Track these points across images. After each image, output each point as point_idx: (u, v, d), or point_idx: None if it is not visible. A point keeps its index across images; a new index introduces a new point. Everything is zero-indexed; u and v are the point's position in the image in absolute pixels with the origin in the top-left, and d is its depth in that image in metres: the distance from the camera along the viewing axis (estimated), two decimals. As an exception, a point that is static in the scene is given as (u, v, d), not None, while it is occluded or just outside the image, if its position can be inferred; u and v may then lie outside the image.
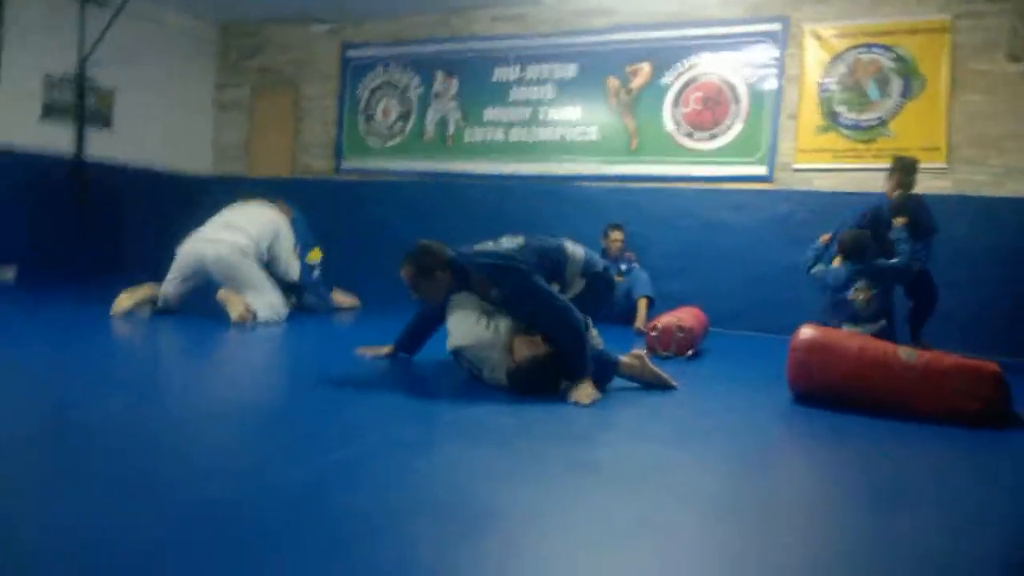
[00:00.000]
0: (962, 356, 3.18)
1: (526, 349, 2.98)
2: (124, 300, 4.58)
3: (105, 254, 7.40)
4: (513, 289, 3.05)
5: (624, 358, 3.26)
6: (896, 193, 4.89)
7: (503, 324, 3.09)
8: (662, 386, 3.27)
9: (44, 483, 1.68)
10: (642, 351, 3.37)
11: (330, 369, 3.43)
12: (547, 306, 2.99)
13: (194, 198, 8.43)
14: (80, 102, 7.18)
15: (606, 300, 3.47)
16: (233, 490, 1.69)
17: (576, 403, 2.82)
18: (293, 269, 5.22)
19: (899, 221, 4.74)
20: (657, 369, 3.30)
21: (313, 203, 7.55)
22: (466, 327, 3.12)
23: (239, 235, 4.83)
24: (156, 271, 4.95)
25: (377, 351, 3.60)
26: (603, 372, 3.14)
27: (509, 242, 3.22)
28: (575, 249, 3.34)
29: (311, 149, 8.32)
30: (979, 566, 1.59)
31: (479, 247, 3.25)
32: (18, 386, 2.68)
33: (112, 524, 1.46)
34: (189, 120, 8.50)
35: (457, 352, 3.18)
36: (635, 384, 3.26)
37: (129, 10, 7.04)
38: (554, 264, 3.23)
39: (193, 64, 8.49)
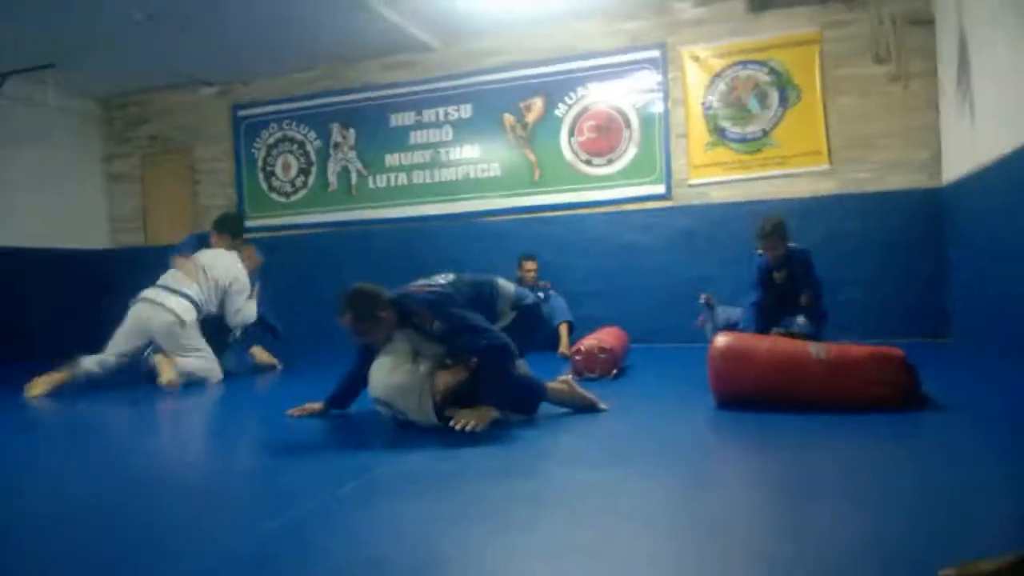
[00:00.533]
0: (868, 345, 3.35)
1: (446, 379, 3.01)
2: (38, 385, 4.46)
3: (9, 339, 7.03)
4: (450, 321, 3.08)
5: (551, 384, 3.31)
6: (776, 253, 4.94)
7: (425, 365, 3.09)
8: (591, 408, 3.32)
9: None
10: (568, 376, 3.43)
11: (259, 434, 3.36)
12: (479, 337, 3.03)
13: (94, 273, 8.15)
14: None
15: (537, 330, 3.53)
16: (178, 568, 1.63)
17: (463, 427, 2.85)
18: (246, 314, 5.24)
19: (779, 276, 4.99)
20: (585, 392, 3.36)
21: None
22: (383, 375, 3.11)
23: (182, 300, 4.85)
24: (65, 349, 4.75)
25: (307, 410, 3.50)
26: (531, 400, 3.20)
27: (443, 279, 3.28)
28: (505, 284, 3.43)
29: (211, 211, 8.12)
30: (907, 552, 1.68)
31: (415, 284, 3.28)
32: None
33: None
34: (81, 195, 8.24)
35: (378, 401, 3.16)
36: (565, 410, 3.31)
37: (6, 93, 6.79)
38: (487, 298, 3.30)
39: (79, 139, 8.27)
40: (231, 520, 2.03)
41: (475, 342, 3.03)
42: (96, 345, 4.93)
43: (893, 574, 1.50)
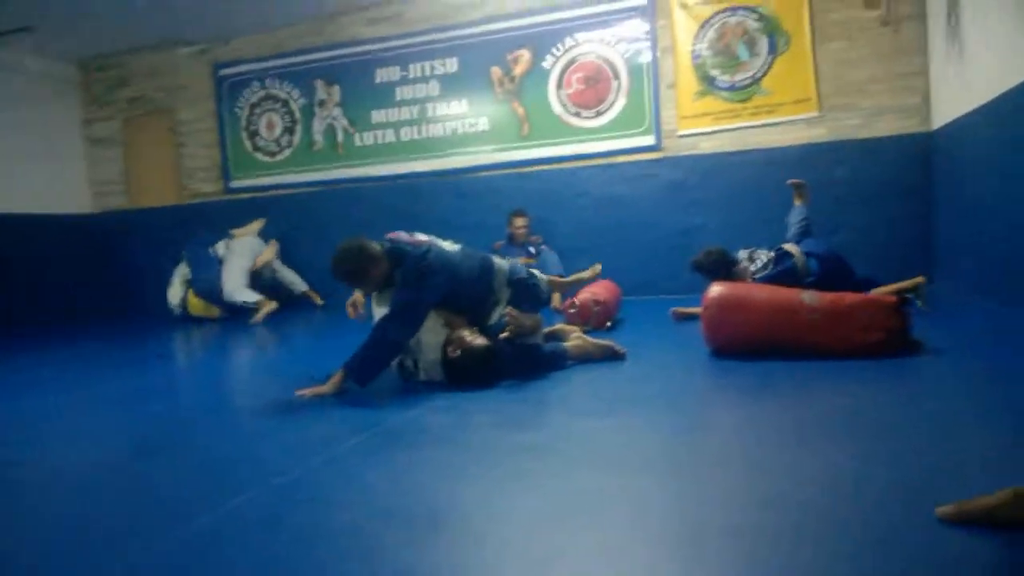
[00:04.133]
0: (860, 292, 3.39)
1: (465, 340, 3.03)
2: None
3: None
4: (402, 280, 3.10)
5: (569, 344, 3.41)
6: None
7: (432, 317, 3.12)
8: (614, 356, 3.42)
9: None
10: (576, 329, 3.49)
11: (260, 391, 3.37)
12: (394, 312, 3.05)
13: (79, 238, 8.07)
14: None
15: (536, 300, 3.53)
16: (187, 528, 1.66)
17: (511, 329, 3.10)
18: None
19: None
20: (601, 341, 3.45)
21: (208, 226, 7.36)
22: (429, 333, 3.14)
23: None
24: (57, 315, 4.74)
25: (318, 390, 3.04)
26: (554, 366, 3.29)
27: (450, 245, 3.30)
28: (500, 261, 3.44)
29: (196, 173, 8.05)
30: (904, 492, 1.72)
31: (417, 235, 3.30)
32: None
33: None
34: (62, 160, 8.10)
35: None
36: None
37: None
38: (484, 272, 3.31)
39: (57, 103, 8.10)
40: (241, 479, 2.05)
41: (387, 316, 3.05)
42: (89, 309, 4.95)
43: (890, 513, 1.54)
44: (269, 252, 6.92)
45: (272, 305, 6.49)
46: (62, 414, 3.14)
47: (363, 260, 3.11)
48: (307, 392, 2.99)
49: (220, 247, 6.85)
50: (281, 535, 1.61)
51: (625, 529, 1.55)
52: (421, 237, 3.28)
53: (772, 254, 4.37)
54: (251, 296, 6.49)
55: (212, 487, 1.98)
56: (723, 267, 4.27)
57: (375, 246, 3.15)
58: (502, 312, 3.21)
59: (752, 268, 4.33)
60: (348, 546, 1.54)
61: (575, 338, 3.50)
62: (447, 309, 3.18)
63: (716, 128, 6.29)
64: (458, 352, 3.02)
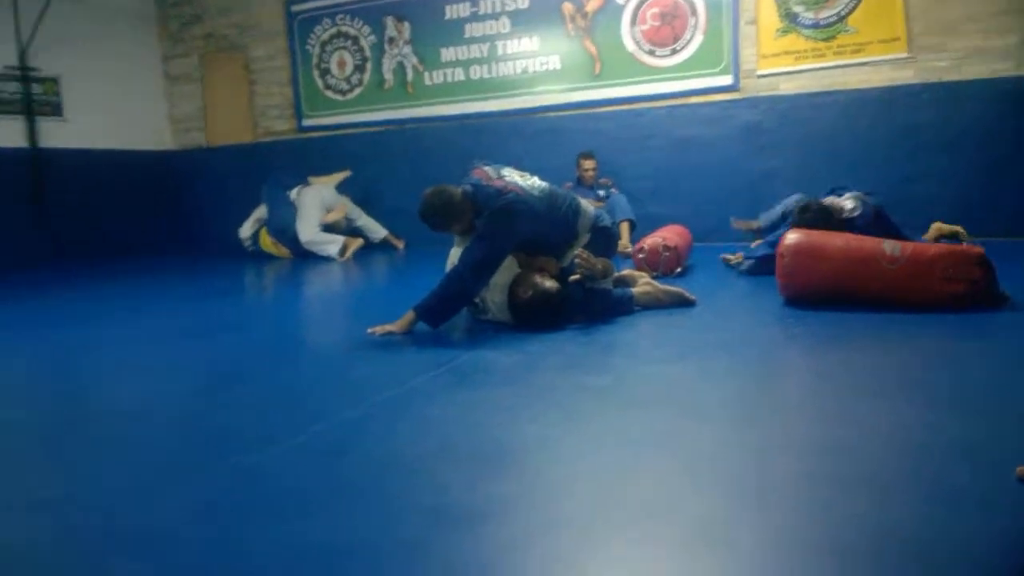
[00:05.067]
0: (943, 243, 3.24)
1: (536, 282, 3.03)
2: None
3: (79, 241, 7.31)
4: (482, 229, 3.07)
5: (637, 290, 3.38)
6: None
7: (506, 261, 3.13)
8: (683, 303, 3.39)
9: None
10: (644, 275, 3.45)
11: (332, 328, 3.45)
12: (471, 260, 3.01)
13: (159, 174, 8.32)
14: (26, 93, 6.97)
15: (611, 246, 3.49)
16: (262, 455, 1.72)
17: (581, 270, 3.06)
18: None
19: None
20: (670, 288, 3.41)
21: (281, 164, 7.50)
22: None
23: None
24: (139, 250, 4.92)
25: (388, 328, 3.05)
26: (621, 312, 3.27)
27: (529, 181, 3.24)
28: (587, 206, 3.39)
29: (269, 111, 8.15)
30: (985, 449, 1.66)
31: (505, 172, 3.25)
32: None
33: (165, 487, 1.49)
34: (141, 97, 8.29)
35: None
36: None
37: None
38: (571, 213, 3.26)
39: (135, 40, 8.24)
40: (311, 412, 2.12)
41: (465, 257, 3.03)
42: (164, 243, 5.13)
43: (968, 469, 1.49)
44: (338, 212, 6.92)
45: (358, 242, 6.67)
46: (138, 345, 3.27)
47: (449, 211, 3.09)
48: (378, 330, 3.05)
49: (294, 192, 6.93)
50: (351, 465, 1.66)
51: (689, 471, 1.55)
52: (506, 176, 3.22)
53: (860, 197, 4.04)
54: (332, 245, 6.59)
55: (283, 419, 2.05)
56: (823, 223, 3.74)
57: (458, 194, 3.12)
58: (574, 254, 3.18)
59: (846, 211, 4.01)
60: (412, 478, 1.57)
61: (644, 284, 3.46)
62: (525, 251, 3.17)
63: (797, 68, 6.01)
64: (528, 294, 3.02)
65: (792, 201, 4.48)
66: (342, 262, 6.37)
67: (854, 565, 1.15)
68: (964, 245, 3.38)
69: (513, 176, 3.24)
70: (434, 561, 1.22)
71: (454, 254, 3.26)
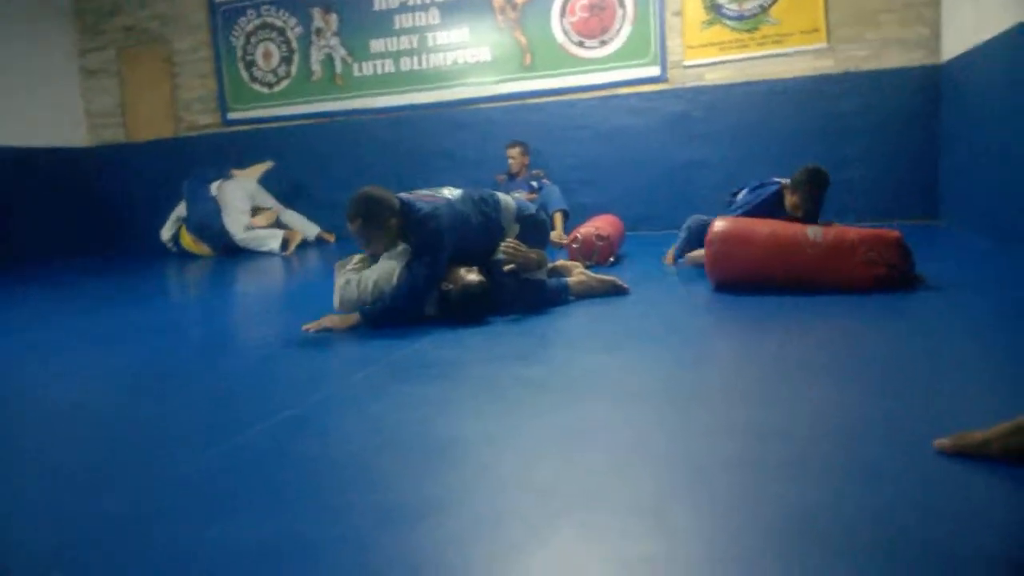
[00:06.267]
0: (862, 227, 3.37)
1: (460, 276, 3.07)
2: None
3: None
4: (419, 244, 3.07)
5: (572, 280, 3.42)
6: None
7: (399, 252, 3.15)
8: (617, 292, 3.44)
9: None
10: (578, 265, 3.49)
11: (263, 325, 3.39)
12: (416, 276, 3.03)
13: (73, 172, 7.99)
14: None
15: (543, 235, 3.53)
16: (196, 457, 1.69)
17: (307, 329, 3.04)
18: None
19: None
20: (604, 277, 3.46)
21: (205, 160, 7.30)
22: (393, 267, 3.14)
23: None
24: (55, 252, 4.73)
25: (325, 323, 3.06)
26: (555, 302, 3.31)
27: (450, 192, 3.25)
28: (506, 199, 3.41)
29: (192, 105, 7.93)
30: (903, 425, 1.74)
31: (419, 192, 3.25)
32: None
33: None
34: (55, 92, 7.95)
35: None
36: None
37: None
38: (491, 210, 3.28)
39: (50, 33, 7.89)
40: (249, 409, 2.08)
41: (412, 273, 3.03)
42: (83, 244, 4.94)
43: (888, 445, 1.56)
44: (268, 217, 6.82)
45: (299, 235, 6.63)
46: (60, 349, 3.16)
47: (386, 209, 3.06)
48: (313, 326, 3.01)
49: (215, 187, 6.76)
50: (288, 466, 1.64)
51: (626, 459, 1.58)
52: (424, 193, 3.24)
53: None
54: (273, 240, 6.48)
55: (219, 421, 2.01)
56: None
57: (395, 200, 3.10)
58: (504, 245, 3.20)
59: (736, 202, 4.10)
60: (353, 476, 1.56)
61: (578, 273, 3.51)
62: (459, 257, 3.17)
63: (722, 58, 6.16)
64: (454, 287, 3.05)
65: (693, 220, 4.35)
66: (285, 256, 6.26)
67: (780, 543, 1.19)
68: (882, 229, 3.52)
69: (440, 192, 3.26)
70: (376, 558, 1.22)
71: (381, 266, 3.16)
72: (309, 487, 1.52)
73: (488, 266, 3.20)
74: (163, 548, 1.29)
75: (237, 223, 6.53)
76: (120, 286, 5.22)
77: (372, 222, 3.07)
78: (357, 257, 3.30)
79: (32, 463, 1.79)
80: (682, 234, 4.27)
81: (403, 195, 3.19)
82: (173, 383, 2.47)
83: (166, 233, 6.93)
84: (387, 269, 3.09)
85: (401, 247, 3.15)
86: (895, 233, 3.19)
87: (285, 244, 6.54)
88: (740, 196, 4.10)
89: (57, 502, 1.53)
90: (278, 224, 6.86)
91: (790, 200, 3.79)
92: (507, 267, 3.14)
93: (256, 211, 6.77)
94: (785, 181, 3.90)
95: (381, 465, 1.61)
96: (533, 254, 3.21)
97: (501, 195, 3.43)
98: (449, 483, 1.51)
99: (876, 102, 5.82)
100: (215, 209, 6.60)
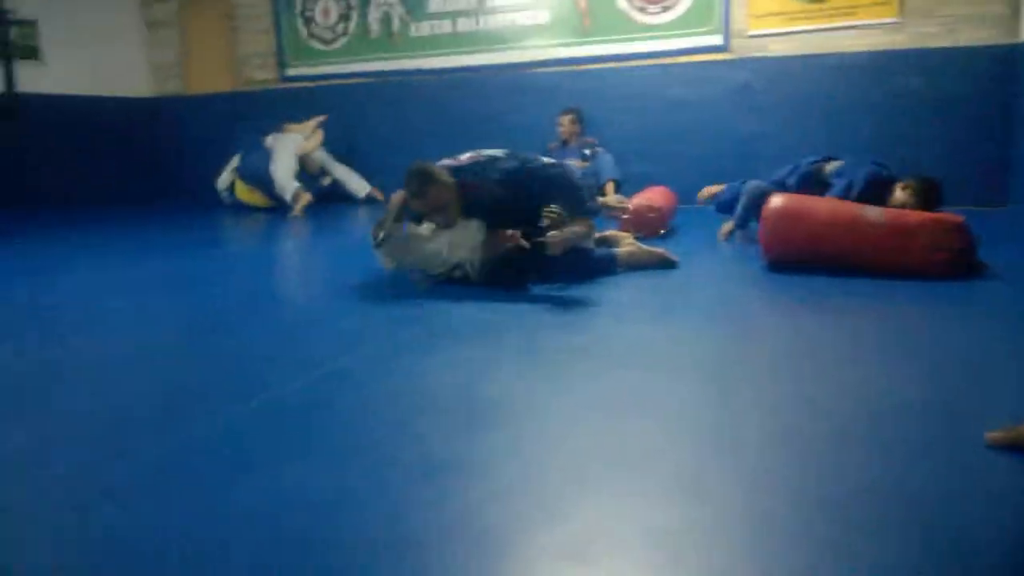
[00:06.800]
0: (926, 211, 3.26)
1: (500, 243, 3.03)
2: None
3: (54, 187, 7.18)
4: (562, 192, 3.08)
5: (620, 251, 3.38)
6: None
7: (474, 223, 3.11)
8: (666, 264, 3.40)
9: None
10: (628, 236, 3.44)
11: (321, 279, 3.44)
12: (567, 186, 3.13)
13: (138, 122, 8.16)
14: (3, 36, 6.77)
15: (588, 205, 3.46)
16: (241, 407, 1.73)
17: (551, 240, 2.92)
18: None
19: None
20: (653, 249, 3.42)
21: (263, 115, 7.37)
22: (467, 239, 3.13)
23: None
24: (115, 199, 4.84)
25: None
26: (603, 272, 3.27)
27: (497, 151, 3.23)
28: (551, 161, 3.37)
29: (251, 59, 7.98)
30: (953, 413, 1.69)
31: (470, 156, 3.22)
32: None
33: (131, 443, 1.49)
34: (121, 43, 8.07)
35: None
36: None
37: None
38: (538, 171, 3.23)
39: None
40: (298, 360, 2.12)
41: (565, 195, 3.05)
42: (141, 193, 5.03)
43: (936, 432, 1.52)
44: (313, 142, 6.81)
45: (308, 197, 6.41)
46: (112, 295, 3.25)
47: (443, 177, 3.04)
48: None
49: (269, 139, 6.81)
50: (333, 416, 1.67)
51: (667, 428, 1.57)
52: (468, 156, 3.22)
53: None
54: (288, 193, 6.44)
55: (263, 372, 2.05)
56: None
57: (448, 177, 3.07)
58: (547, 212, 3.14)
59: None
60: (393, 433, 1.58)
61: (627, 244, 3.47)
62: (502, 221, 3.13)
63: (788, 29, 5.96)
64: (495, 252, 3.03)
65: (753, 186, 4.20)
66: (294, 217, 6.23)
67: (814, 520, 1.18)
68: (945, 213, 3.38)
69: (483, 153, 3.24)
70: (413, 513, 1.24)
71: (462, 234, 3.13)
72: (350, 440, 1.55)
73: (533, 233, 3.17)
74: (206, 496, 1.33)
75: (280, 167, 6.54)
76: (172, 236, 5.33)
77: (444, 192, 3.05)
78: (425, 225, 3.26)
79: (77, 408, 1.85)
80: (743, 200, 4.10)
81: (447, 161, 3.17)
82: (218, 333, 2.53)
83: (223, 182, 7.01)
84: (471, 233, 3.09)
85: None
86: (958, 218, 3.08)
87: (295, 198, 6.40)
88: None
89: (101, 446, 1.58)
90: (320, 187, 6.92)
91: (900, 196, 3.62)
92: (550, 235, 3.08)
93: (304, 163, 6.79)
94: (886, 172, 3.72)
95: (423, 423, 1.63)
96: (579, 224, 3.16)
97: (544, 158, 3.39)
98: (490, 444, 1.52)
99: (947, 81, 5.58)
100: (267, 160, 6.65)
